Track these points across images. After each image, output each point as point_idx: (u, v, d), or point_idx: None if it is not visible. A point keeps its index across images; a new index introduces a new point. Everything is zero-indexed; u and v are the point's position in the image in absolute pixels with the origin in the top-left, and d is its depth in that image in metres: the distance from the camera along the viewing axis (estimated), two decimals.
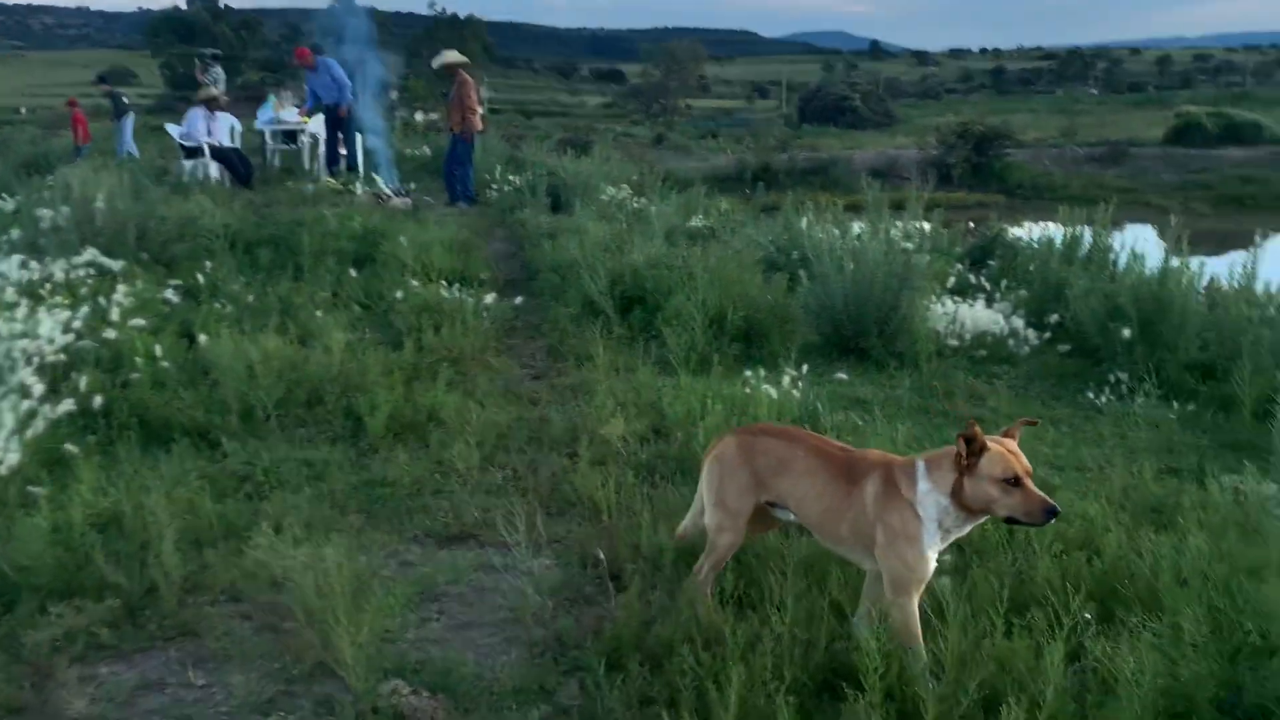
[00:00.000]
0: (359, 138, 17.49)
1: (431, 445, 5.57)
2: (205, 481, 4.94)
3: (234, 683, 3.51)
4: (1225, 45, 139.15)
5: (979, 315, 8.35)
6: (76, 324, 6.45)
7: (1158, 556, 3.83)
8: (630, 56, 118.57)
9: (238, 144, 17.27)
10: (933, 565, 3.35)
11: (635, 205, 13.99)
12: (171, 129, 17.60)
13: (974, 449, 3.21)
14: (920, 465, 3.35)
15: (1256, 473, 4.82)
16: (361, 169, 17.04)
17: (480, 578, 4.30)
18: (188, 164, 16.02)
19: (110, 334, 6.48)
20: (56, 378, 5.89)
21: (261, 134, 19.45)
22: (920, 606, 3.39)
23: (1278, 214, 25.47)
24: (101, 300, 7.12)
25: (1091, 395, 6.97)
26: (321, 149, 17.93)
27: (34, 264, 7.93)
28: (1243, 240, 9.38)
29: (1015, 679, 3.16)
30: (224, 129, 16.87)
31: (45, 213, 9.17)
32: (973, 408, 6.71)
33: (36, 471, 4.92)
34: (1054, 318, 8.26)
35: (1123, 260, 8.89)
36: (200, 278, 8.44)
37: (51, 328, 6.23)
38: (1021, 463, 3.21)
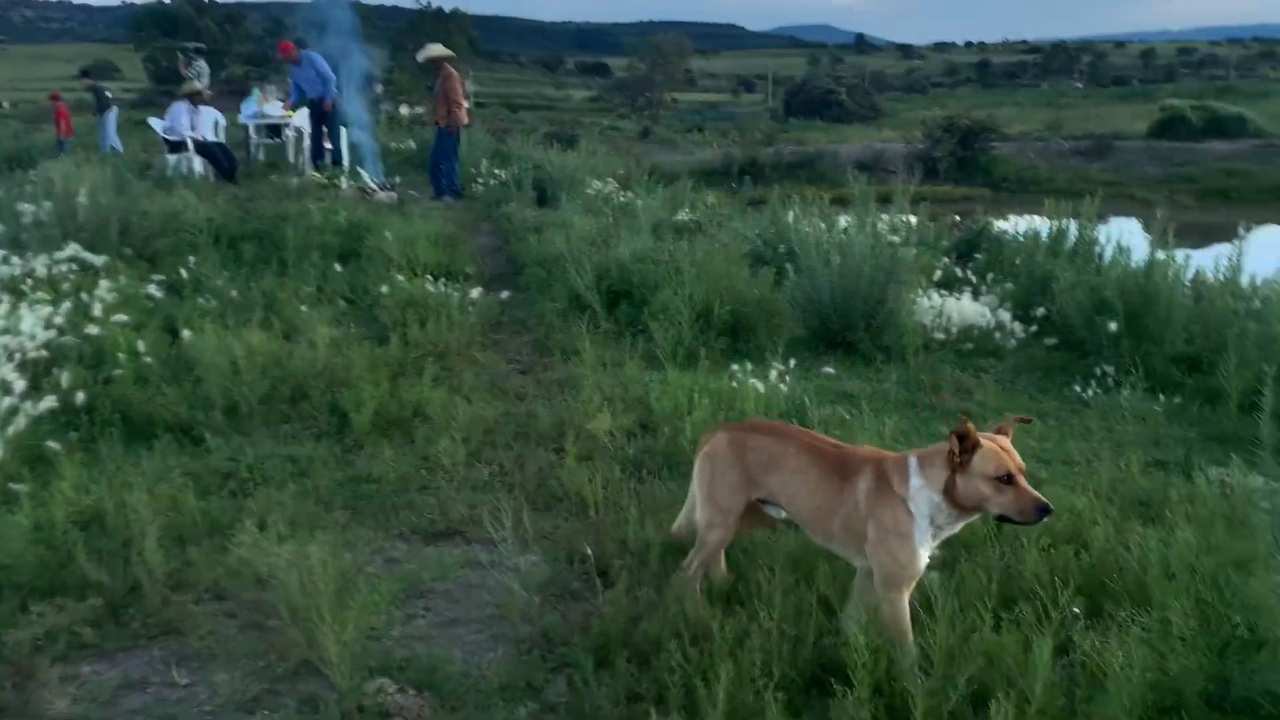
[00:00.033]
0: (344, 131, 17.42)
1: (417, 441, 5.53)
2: (189, 478, 4.90)
3: (218, 681, 3.48)
4: (1209, 39, 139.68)
5: (965, 308, 8.35)
6: (59, 320, 6.42)
7: (1145, 550, 3.82)
8: (616, 50, 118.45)
9: (222, 138, 17.18)
10: (924, 562, 3.33)
11: (621, 199, 13.96)
12: (155, 123, 17.53)
13: (967, 446, 3.19)
14: (913, 461, 3.33)
15: (1243, 465, 4.82)
16: (346, 163, 16.99)
17: (467, 574, 4.28)
18: (171, 158, 15.94)
19: (93, 330, 6.42)
20: (38, 374, 5.84)
21: (245, 128, 19.38)
22: (909, 602, 3.38)
23: (1261, 207, 25.59)
24: (84, 296, 7.06)
25: (1078, 388, 6.98)
26: (306, 143, 17.85)
27: (16, 259, 7.90)
28: (1227, 233, 9.41)
29: (1004, 674, 3.15)
30: (207, 123, 16.77)
31: (27, 208, 9.10)
32: (959, 401, 6.72)
33: (18, 469, 4.88)
34: (1040, 311, 8.27)
35: (1108, 253, 8.89)
36: (184, 273, 8.39)
37: (33, 324, 6.19)
38: (1014, 460, 3.19)
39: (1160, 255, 7.86)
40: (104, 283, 7.36)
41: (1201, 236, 16.35)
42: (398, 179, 16.90)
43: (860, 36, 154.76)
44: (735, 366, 6.28)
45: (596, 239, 9.72)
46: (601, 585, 4.03)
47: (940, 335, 7.96)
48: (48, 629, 3.69)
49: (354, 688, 3.32)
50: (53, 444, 5.06)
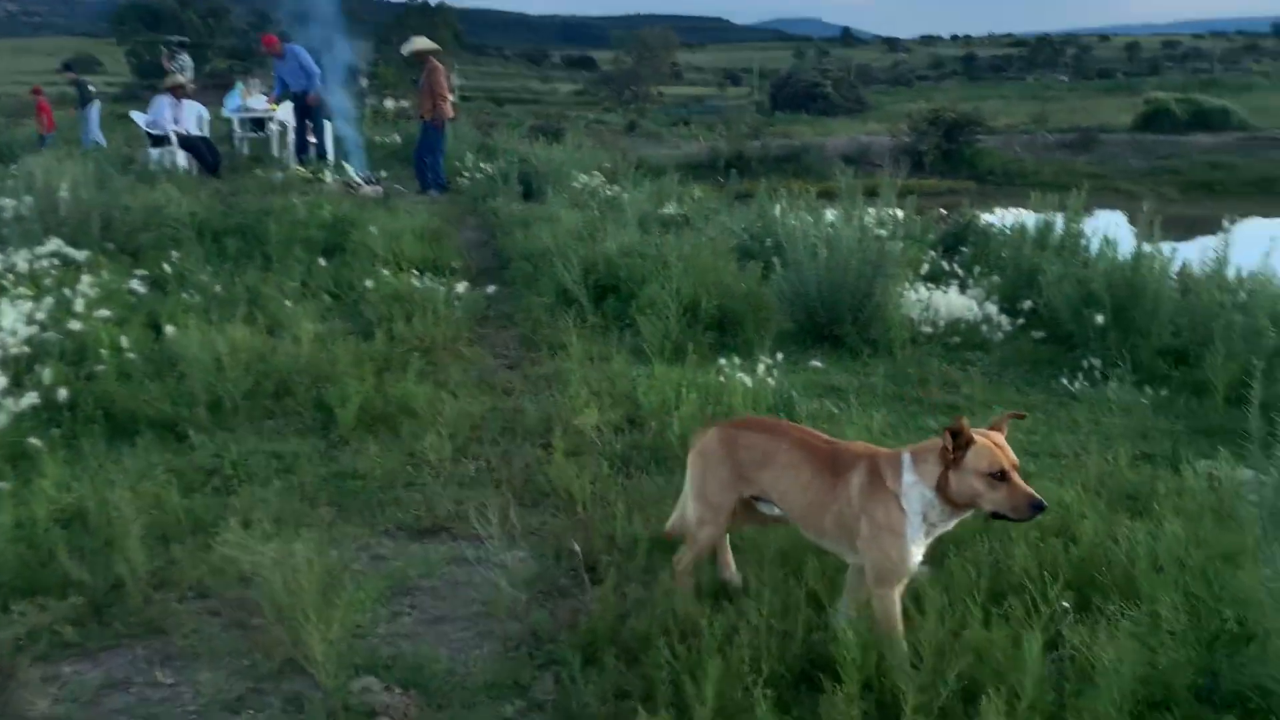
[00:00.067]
0: (328, 125, 17.34)
1: (403, 437, 5.50)
2: (172, 475, 4.85)
3: (202, 681, 3.44)
4: (1192, 32, 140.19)
5: (953, 302, 8.35)
6: (40, 315, 6.38)
7: (1134, 543, 3.82)
8: (601, 43, 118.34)
9: (205, 132, 17.06)
10: (917, 559, 3.31)
11: (608, 193, 13.92)
12: (137, 117, 17.37)
13: (960, 442, 3.17)
14: (906, 458, 3.31)
15: (1230, 458, 4.83)
16: (331, 157, 16.92)
17: (453, 571, 4.25)
18: (154, 152, 15.84)
19: (75, 325, 6.38)
20: (20, 370, 5.80)
21: (229, 122, 19.27)
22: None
23: (1245, 199, 25.71)
24: (66, 291, 7.01)
25: (1065, 381, 6.98)
26: (290, 137, 17.76)
27: None
28: (1211, 226, 9.42)
29: (994, 669, 3.14)
30: (191, 117, 16.66)
31: (8, 202, 9.05)
32: (947, 395, 6.71)
33: None
34: (1027, 304, 8.28)
35: (1095, 246, 8.90)
36: (167, 268, 8.33)
37: (14, 319, 6.14)
38: (1008, 456, 3.17)
39: (1147, 248, 7.86)
40: (86, 278, 7.32)
41: (1186, 229, 16.40)
42: (383, 173, 16.82)
43: (846, 30, 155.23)
44: (723, 361, 6.26)
45: (583, 233, 9.69)
46: (589, 582, 4.02)
47: (927, 329, 7.96)
48: (29, 628, 3.65)
49: (339, 686, 3.30)
50: (34, 441, 5.02)
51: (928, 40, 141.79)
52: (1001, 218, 11.74)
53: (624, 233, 9.47)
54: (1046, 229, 9.79)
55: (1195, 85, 47.31)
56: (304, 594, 3.40)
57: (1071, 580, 3.63)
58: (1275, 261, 7.33)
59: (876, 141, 32.20)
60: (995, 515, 3.19)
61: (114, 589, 3.90)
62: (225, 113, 19.48)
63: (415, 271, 8.86)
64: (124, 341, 6.22)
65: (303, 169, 15.52)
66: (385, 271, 8.61)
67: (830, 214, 9.35)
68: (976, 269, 9.36)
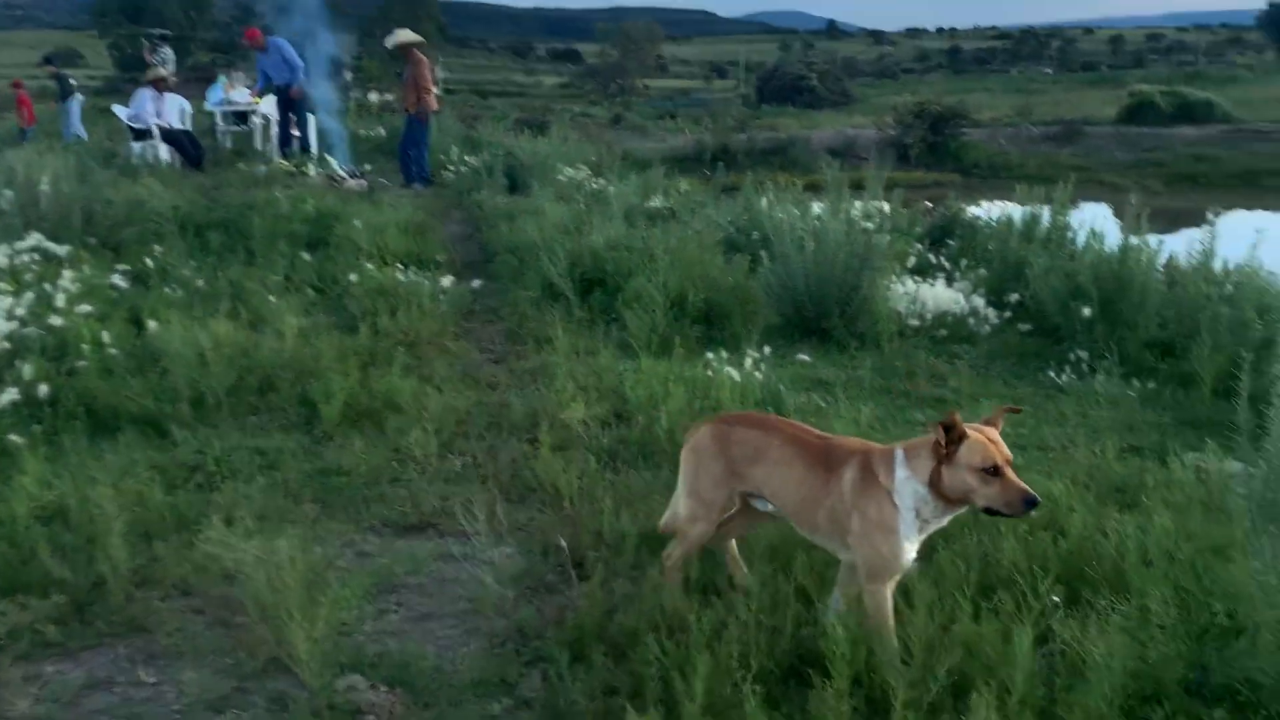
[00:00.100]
0: (311, 119, 17.25)
1: (388, 432, 5.47)
2: (154, 472, 4.81)
3: (185, 680, 3.41)
4: (1177, 24, 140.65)
5: (939, 295, 8.35)
6: (21, 311, 6.34)
7: (1123, 537, 3.82)
8: (586, 36, 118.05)
9: (188, 126, 16.96)
10: (910, 555, 3.29)
11: (594, 186, 13.88)
12: (119, 111, 17.24)
13: (953, 437, 3.14)
14: (899, 453, 3.29)
15: (1218, 450, 4.83)
16: (315, 150, 16.83)
17: (439, 568, 4.22)
18: (137, 146, 15.73)
19: (56, 321, 6.33)
20: (0, 366, 5.73)
21: (212, 115, 19.16)
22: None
23: (1230, 192, 25.76)
24: (47, 286, 6.94)
25: (1052, 374, 6.99)
26: (274, 130, 17.66)
27: None
28: (1195, 218, 9.43)
29: (984, 663, 3.13)
30: (173, 110, 16.56)
31: None
32: (934, 388, 6.71)
33: None
34: (1014, 297, 8.27)
35: (1081, 239, 8.91)
36: (149, 262, 8.28)
37: None
38: (1002, 451, 3.15)
39: (1133, 241, 7.86)
40: (67, 273, 7.27)
41: (1170, 221, 16.43)
42: (367, 166, 16.76)
43: (832, 23, 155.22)
44: (710, 355, 6.25)
45: (569, 226, 9.66)
46: (576, 577, 3.99)
47: (914, 322, 7.96)
48: (10, 628, 3.61)
49: (324, 685, 3.27)
50: (15, 437, 4.98)
51: (913, 33, 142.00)
52: (987, 210, 11.73)
53: (610, 226, 9.44)
54: (1033, 222, 9.79)
55: (1179, 78, 47.46)
56: (288, 591, 3.37)
57: (1061, 574, 3.62)
58: (1262, 254, 7.33)
59: (862, 134, 32.20)
60: (988, 511, 3.17)
61: (96, 587, 3.86)
62: (208, 106, 19.36)
63: (400, 265, 8.83)
64: (106, 337, 6.18)
65: (286, 162, 15.42)
66: (369, 265, 8.57)
67: (817, 207, 9.34)
68: (963, 262, 9.37)
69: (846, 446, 3.48)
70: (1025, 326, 7.96)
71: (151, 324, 6.41)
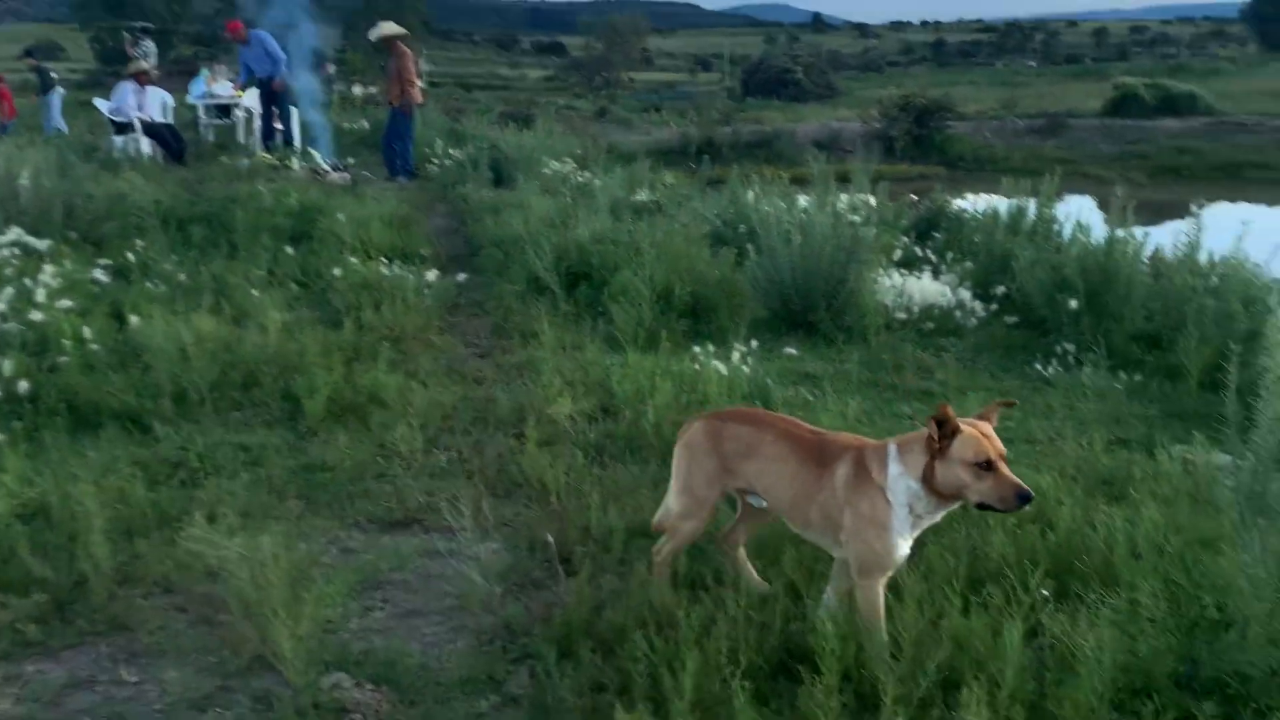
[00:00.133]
0: (294, 112, 17.16)
1: (373, 427, 5.43)
2: (137, 468, 4.77)
3: (168, 679, 3.37)
4: (1160, 17, 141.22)
5: (926, 288, 8.35)
6: (1, 306, 6.30)
7: (1112, 530, 3.81)
8: (571, 29, 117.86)
9: (170, 119, 16.85)
10: (903, 552, 3.26)
11: (579, 179, 13.86)
12: (101, 104, 17.12)
13: (946, 431, 3.12)
14: (892, 449, 3.26)
15: (1205, 442, 4.83)
16: (298, 144, 16.75)
17: (425, 564, 4.18)
18: (118, 140, 15.63)
19: (37, 316, 6.28)
20: None
21: (194, 109, 19.06)
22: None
23: (1213, 184, 25.86)
24: (27, 281, 6.90)
25: (1039, 366, 6.99)
26: (256, 123, 17.58)
27: None
28: (1179, 210, 9.44)
29: (974, 658, 3.11)
30: (155, 104, 16.45)
31: None
32: (921, 381, 6.70)
33: None
34: (1001, 289, 8.28)
35: (1067, 231, 8.91)
36: (131, 257, 8.23)
37: None
38: (995, 446, 3.12)
39: (1119, 233, 7.87)
40: (48, 267, 7.21)
41: (1154, 214, 16.47)
42: (350, 160, 16.70)
43: (817, 15, 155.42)
44: (697, 348, 6.22)
45: (555, 220, 9.63)
46: (564, 573, 3.97)
47: (901, 315, 7.96)
48: None
49: (309, 683, 3.24)
50: None
51: (897, 26, 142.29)
52: (973, 203, 11.74)
53: (596, 219, 9.41)
54: (1019, 214, 9.79)
55: (1162, 70, 47.64)
56: (272, 589, 3.34)
57: (1050, 568, 3.61)
58: (1247, 246, 7.34)
59: (847, 127, 32.21)
60: (982, 506, 3.14)
61: (77, 585, 3.82)
62: (190, 99, 19.27)
63: (384, 259, 8.79)
64: (87, 332, 6.13)
65: (269, 156, 15.36)
66: (353, 259, 8.53)
67: (803, 200, 9.32)
68: (949, 255, 9.37)
69: (839, 442, 3.46)
70: (1012, 319, 7.96)
71: (133, 319, 6.36)
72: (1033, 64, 70.31)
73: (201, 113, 18.82)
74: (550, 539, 4.15)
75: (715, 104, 39.93)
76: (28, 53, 25.16)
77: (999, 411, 3.31)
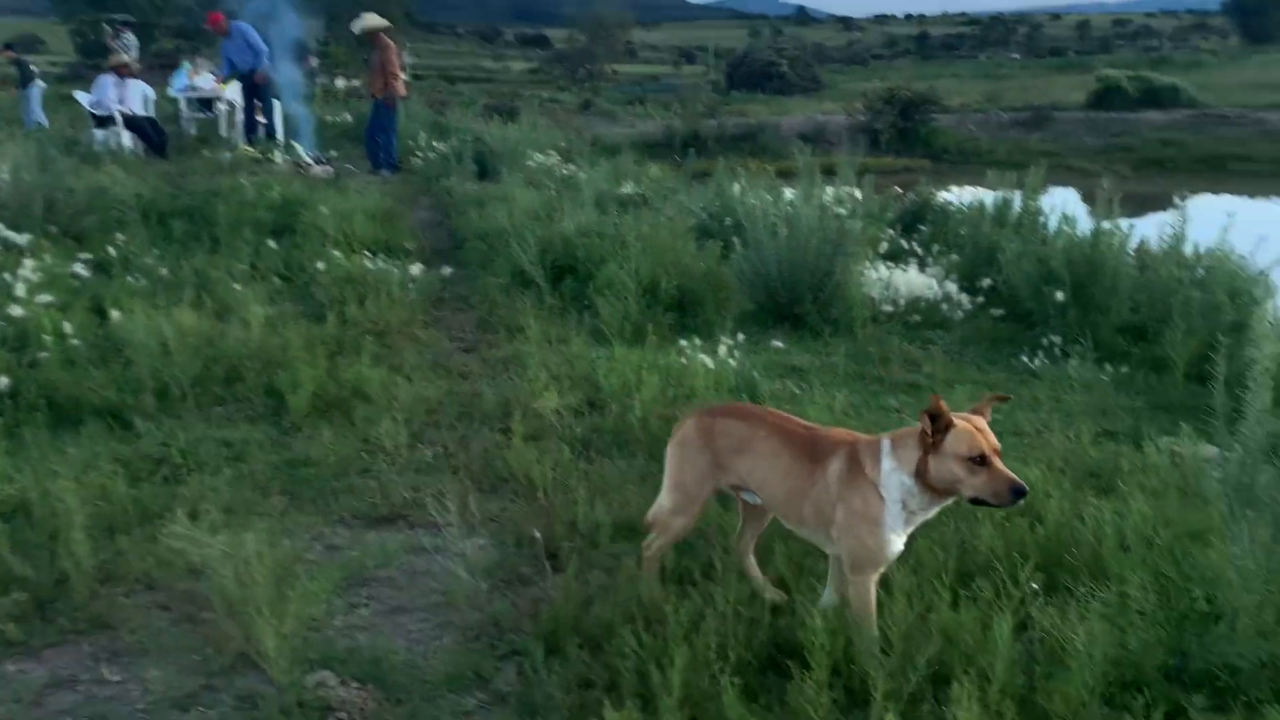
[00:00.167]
0: (277, 105, 17.07)
1: (357, 423, 5.39)
2: (118, 465, 4.72)
3: (151, 678, 3.33)
4: (1143, 10, 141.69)
5: (912, 280, 8.35)
6: None
7: (1101, 523, 3.81)
8: (555, 21, 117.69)
9: (151, 112, 16.71)
10: (897, 547, 3.23)
11: (564, 172, 13.82)
12: (81, 97, 16.98)
13: (939, 426, 3.09)
14: (885, 444, 3.23)
15: (1192, 434, 4.83)
16: (280, 137, 16.66)
17: (411, 560, 4.15)
18: (99, 133, 15.51)
19: (16, 311, 6.23)
20: None
21: (176, 102, 18.94)
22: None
23: (1196, 176, 25.96)
24: (7, 276, 6.85)
25: (1026, 359, 6.99)
26: (239, 116, 17.49)
27: None
28: (1163, 202, 9.48)
29: (964, 652, 3.10)
30: (136, 97, 16.32)
31: None
32: (908, 373, 6.70)
33: None
34: (987, 282, 8.29)
35: (1052, 224, 8.92)
36: (112, 251, 8.16)
37: None
38: (989, 440, 3.09)
39: (1105, 225, 7.88)
40: (28, 262, 7.16)
41: (1138, 206, 16.52)
42: (333, 153, 16.64)
43: (801, 9, 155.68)
44: (683, 342, 6.21)
45: (540, 213, 9.59)
46: (551, 569, 3.95)
47: (888, 307, 7.96)
48: None
49: (294, 682, 3.20)
50: None
51: (881, 19, 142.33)
52: (959, 196, 11.75)
53: (581, 212, 9.37)
54: (1004, 207, 9.80)
55: (1146, 63, 47.82)
56: (256, 586, 3.31)
57: (1039, 561, 3.61)
58: (1232, 237, 7.35)
59: (832, 120, 32.22)
60: (975, 501, 3.12)
61: (58, 584, 3.77)
62: (171, 92, 19.14)
63: (368, 253, 8.75)
64: (67, 327, 6.07)
65: (251, 149, 15.27)
66: (337, 253, 8.48)
67: (789, 193, 9.31)
68: (935, 247, 9.37)
69: (832, 438, 3.44)
70: (998, 311, 7.96)
71: (114, 314, 6.31)
72: (1016, 57, 70.42)
73: (183, 106, 18.69)
74: (537, 534, 4.13)
75: (700, 97, 39.83)
76: (7, 46, 24.91)
77: (993, 406, 3.29)
